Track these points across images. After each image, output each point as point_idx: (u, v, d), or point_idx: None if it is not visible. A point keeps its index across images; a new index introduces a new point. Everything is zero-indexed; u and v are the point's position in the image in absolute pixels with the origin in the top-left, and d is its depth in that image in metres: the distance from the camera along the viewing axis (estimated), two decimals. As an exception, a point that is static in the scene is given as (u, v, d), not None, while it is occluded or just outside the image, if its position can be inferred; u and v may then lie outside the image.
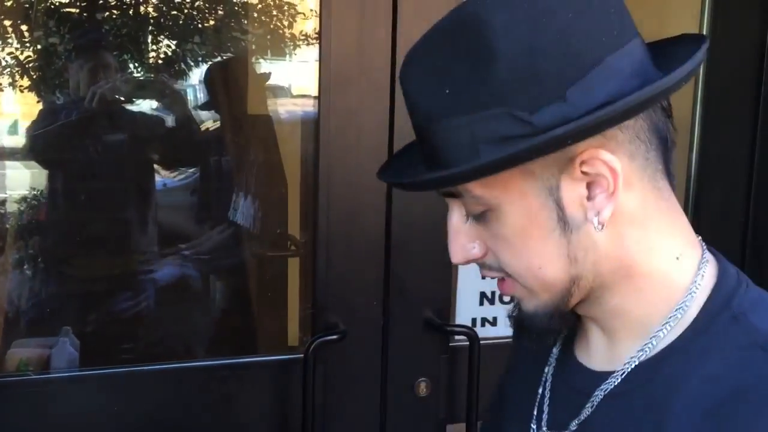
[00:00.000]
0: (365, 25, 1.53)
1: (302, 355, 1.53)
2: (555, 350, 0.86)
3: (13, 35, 2.85)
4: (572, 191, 0.69)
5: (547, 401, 0.84)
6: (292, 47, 3.13)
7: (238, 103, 3.03)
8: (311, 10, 3.07)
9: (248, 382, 1.59)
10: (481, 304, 1.73)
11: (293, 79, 3.29)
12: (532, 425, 0.84)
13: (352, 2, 1.52)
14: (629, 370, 0.74)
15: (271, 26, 3.17)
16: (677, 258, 0.73)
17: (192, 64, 3.20)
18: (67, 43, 2.78)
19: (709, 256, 0.76)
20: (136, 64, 3.17)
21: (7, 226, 2.56)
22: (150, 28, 3.05)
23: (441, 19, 0.70)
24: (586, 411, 0.77)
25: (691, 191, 1.91)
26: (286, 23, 3.13)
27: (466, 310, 1.73)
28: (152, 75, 3.27)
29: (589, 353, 0.81)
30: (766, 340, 0.68)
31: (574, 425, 0.78)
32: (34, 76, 2.87)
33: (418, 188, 0.76)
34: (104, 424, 1.53)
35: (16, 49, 2.89)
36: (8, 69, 2.90)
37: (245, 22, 3.12)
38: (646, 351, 0.73)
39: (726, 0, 1.86)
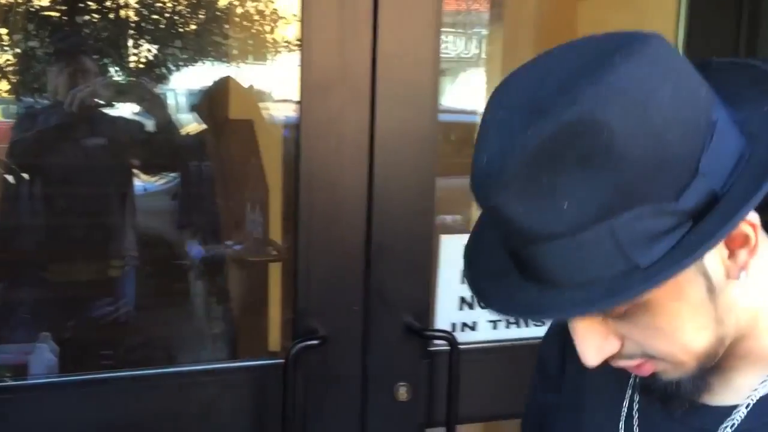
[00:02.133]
0: (346, 31, 1.54)
1: (283, 360, 1.53)
2: (631, 380, 0.82)
3: (-8, 39, 2.83)
4: (715, 258, 0.66)
5: None
6: (274, 52, 3.14)
7: (220, 108, 3.02)
8: (294, 15, 3.08)
9: (228, 387, 1.59)
10: (461, 309, 1.74)
11: (275, 84, 3.30)
12: None
13: (332, 8, 1.53)
14: (754, 402, 0.73)
15: (253, 31, 3.18)
16: None
17: (173, 68, 3.19)
18: (47, 46, 2.76)
19: None
20: (117, 68, 3.16)
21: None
22: (131, 32, 3.05)
23: (528, 134, 0.61)
24: None
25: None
26: (268, 28, 3.14)
27: (446, 314, 1.74)
28: (133, 79, 3.26)
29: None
30: None
31: None
32: (14, 80, 2.85)
33: (581, 314, 0.67)
34: (83, 430, 1.52)
35: (-5, 52, 2.88)
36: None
37: (227, 26, 3.12)
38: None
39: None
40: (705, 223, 0.61)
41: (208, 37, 3.14)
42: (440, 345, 1.67)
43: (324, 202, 1.58)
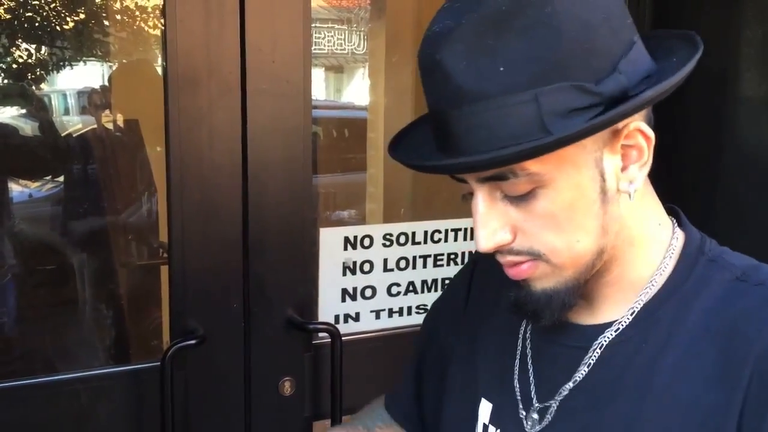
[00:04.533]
0: (212, 23, 1.51)
1: (159, 363, 1.50)
2: (522, 328, 0.88)
3: None
4: (611, 163, 0.73)
5: (530, 367, 0.85)
6: (157, 49, 3.05)
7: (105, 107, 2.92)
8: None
9: (105, 393, 1.54)
10: (344, 300, 1.74)
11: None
12: (516, 395, 0.85)
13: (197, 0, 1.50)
14: (630, 320, 0.79)
15: (134, 27, 3.09)
16: (659, 224, 0.81)
17: (52, 69, 3.07)
18: None
19: (674, 219, 0.84)
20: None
21: None
22: (5, 31, 2.90)
23: (485, 3, 0.69)
24: (591, 359, 0.80)
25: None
26: (151, 24, 3.05)
27: (329, 307, 1.73)
28: (10, 81, 3.12)
29: (575, 312, 0.82)
30: (742, 272, 0.77)
31: (580, 374, 0.80)
32: None
33: (476, 169, 0.70)
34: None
35: None
36: None
37: (107, 23, 3.02)
38: (639, 302, 0.79)
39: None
40: (613, 109, 0.67)
41: (88, 35, 3.02)
42: (323, 337, 1.66)
43: (197, 199, 1.55)
